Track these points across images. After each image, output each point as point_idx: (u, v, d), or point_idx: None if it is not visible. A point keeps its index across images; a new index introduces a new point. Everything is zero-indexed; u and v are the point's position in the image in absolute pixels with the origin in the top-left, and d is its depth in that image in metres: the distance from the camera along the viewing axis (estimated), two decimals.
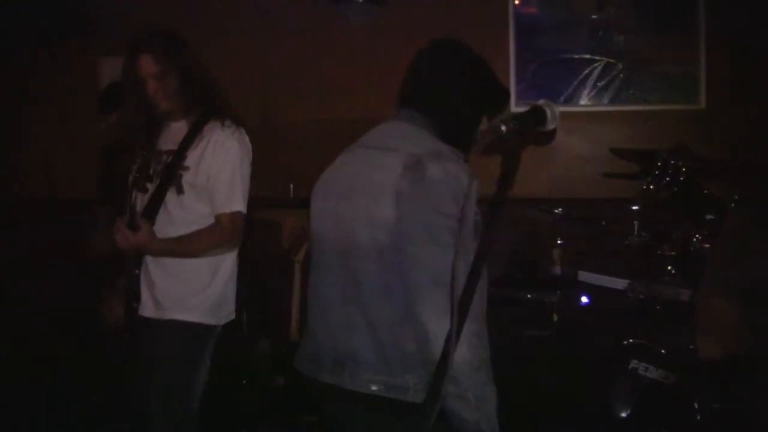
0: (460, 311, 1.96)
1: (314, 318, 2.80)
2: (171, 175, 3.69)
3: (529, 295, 5.15)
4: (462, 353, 2.32)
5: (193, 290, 3.74)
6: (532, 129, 2.04)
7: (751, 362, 2.84)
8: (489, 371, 2.46)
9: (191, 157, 3.71)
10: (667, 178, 4.36)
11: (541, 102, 2.09)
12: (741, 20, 5.75)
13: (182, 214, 3.71)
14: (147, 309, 3.78)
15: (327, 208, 2.76)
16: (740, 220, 3.25)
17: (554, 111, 2.07)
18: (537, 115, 2.06)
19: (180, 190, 3.69)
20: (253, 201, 5.37)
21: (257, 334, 5.82)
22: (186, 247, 3.70)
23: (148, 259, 3.79)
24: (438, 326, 2.36)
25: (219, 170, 3.69)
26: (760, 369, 2.76)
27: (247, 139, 3.85)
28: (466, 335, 2.24)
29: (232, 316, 3.92)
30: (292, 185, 6.13)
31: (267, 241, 6.15)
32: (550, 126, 2.06)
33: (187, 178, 3.69)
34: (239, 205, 3.73)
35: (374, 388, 2.53)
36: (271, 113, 6.53)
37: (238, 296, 3.98)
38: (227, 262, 3.87)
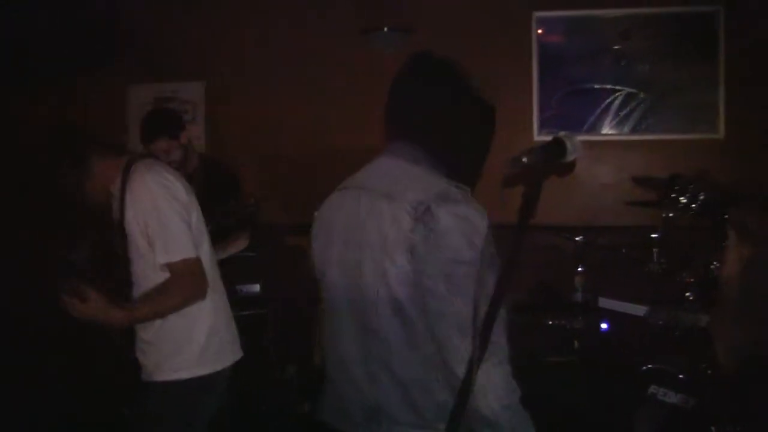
0: (482, 346, 2.02)
1: (336, 370, 2.70)
2: (121, 242, 3.50)
3: (551, 322, 5.20)
4: (499, 397, 2.32)
5: (174, 349, 3.55)
6: (553, 160, 2.08)
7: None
8: (525, 412, 2.41)
9: (126, 214, 3.47)
10: (686, 205, 4.42)
11: (561, 134, 2.10)
12: (759, 51, 5.83)
13: (149, 281, 3.49)
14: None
15: (331, 256, 2.65)
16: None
17: (575, 142, 2.09)
18: (557, 147, 2.08)
19: (132, 260, 3.52)
20: (282, 227, 5.44)
21: (284, 360, 5.89)
22: (151, 308, 3.45)
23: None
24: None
25: (147, 221, 3.42)
26: None
27: (160, 175, 3.52)
28: (502, 378, 2.32)
29: (236, 356, 3.73)
30: (316, 213, 6.20)
31: (296, 267, 6.22)
32: (570, 158, 2.09)
33: (132, 242, 3.50)
34: (187, 251, 3.44)
35: None
36: (304, 142, 6.60)
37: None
38: (204, 311, 3.58)
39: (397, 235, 2.41)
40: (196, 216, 3.61)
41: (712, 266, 4.39)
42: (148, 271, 3.46)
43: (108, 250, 3.59)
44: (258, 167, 6.44)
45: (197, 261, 3.46)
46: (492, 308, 2.02)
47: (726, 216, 3.32)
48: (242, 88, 6.81)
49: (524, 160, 1.96)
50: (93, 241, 3.66)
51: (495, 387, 2.30)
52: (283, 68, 6.66)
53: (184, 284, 3.44)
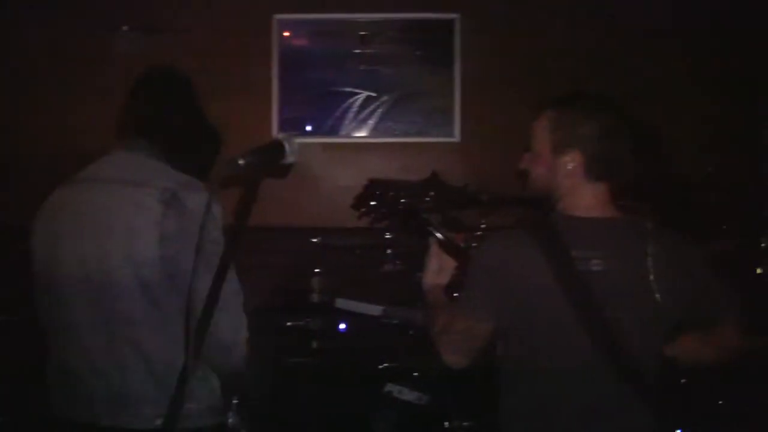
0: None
1: (73, 362, 2.69)
2: None
3: (289, 323, 5.20)
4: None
5: None
6: (273, 162, 2.08)
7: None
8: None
9: None
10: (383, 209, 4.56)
11: (280, 135, 2.12)
12: (494, 57, 6.06)
13: None
14: None
15: (62, 249, 2.66)
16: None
17: (293, 144, 2.10)
18: (275, 148, 2.09)
19: None
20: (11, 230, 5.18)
21: None
22: None
23: None
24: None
25: None
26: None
27: None
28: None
29: None
30: None
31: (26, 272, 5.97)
32: (289, 160, 2.09)
33: None
34: None
35: (158, 422, 2.50)
36: (43, 144, 6.32)
37: None
38: None
39: (145, 221, 2.54)
40: None
41: None
42: None
43: None
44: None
45: None
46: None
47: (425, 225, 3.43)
48: None
49: (240, 162, 1.94)
50: None
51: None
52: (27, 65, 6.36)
53: None
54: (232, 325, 2.61)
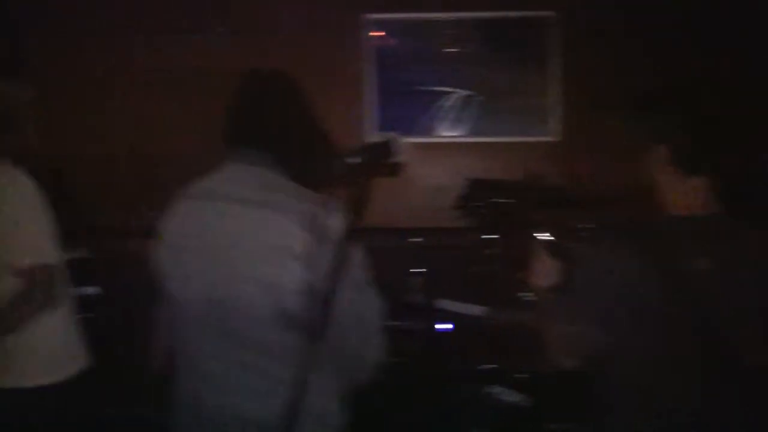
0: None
1: (202, 383, 2.62)
2: None
3: (389, 323, 5.16)
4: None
5: (21, 357, 3.41)
6: (379, 161, 2.06)
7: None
8: None
9: None
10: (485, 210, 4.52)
11: (388, 135, 2.11)
12: (594, 55, 5.96)
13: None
14: None
15: (192, 270, 2.58)
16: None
17: (400, 144, 2.09)
18: (385, 147, 2.08)
19: None
20: (120, 230, 5.24)
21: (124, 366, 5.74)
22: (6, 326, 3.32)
23: None
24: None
25: (6, 220, 3.28)
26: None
27: (19, 177, 3.41)
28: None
29: (83, 364, 3.63)
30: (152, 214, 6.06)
31: (129, 270, 6.07)
32: (396, 158, 2.08)
33: None
34: (43, 256, 3.34)
35: None
36: (138, 144, 6.41)
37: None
38: (53, 317, 3.46)
39: (285, 247, 2.41)
40: (48, 219, 3.49)
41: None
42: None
43: None
44: (91, 171, 6.23)
45: (52, 268, 3.35)
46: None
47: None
48: (70, 90, 6.59)
49: (348, 161, 1.93)
50: None
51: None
52: (115, 68, 6.46)
53: (33, 294, 3.30)
54: (376, 342, 2.62)
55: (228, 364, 2.53)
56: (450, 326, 5.12)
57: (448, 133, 6.21)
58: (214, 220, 2.57)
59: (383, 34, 6.25)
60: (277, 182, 2.60)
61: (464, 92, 6.20)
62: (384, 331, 2.61)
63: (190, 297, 2.59)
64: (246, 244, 2.49)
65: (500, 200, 4.43)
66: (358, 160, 1.94)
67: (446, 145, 6.21)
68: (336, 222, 2.39)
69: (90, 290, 5.65)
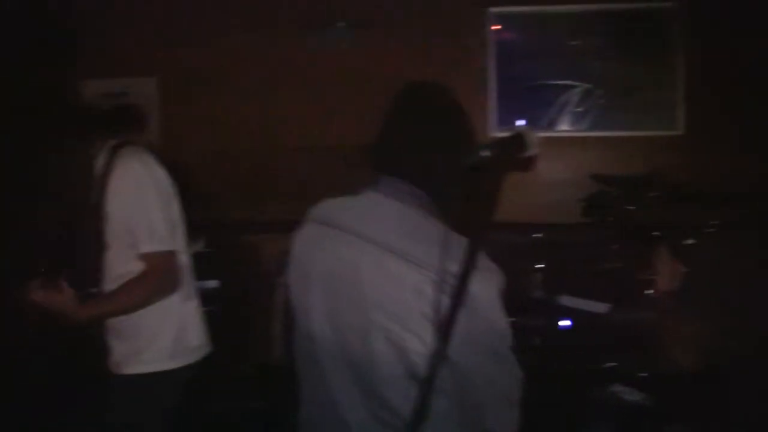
0: None
1: (326, 412, 2.41)
2: (97, 231, 3.37)
3: (510, 319, 5.12)
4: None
5: (144, 342, 3.45)
6: (513, 155, 2.03)
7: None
8: None
9: (108, 197, 3.33)
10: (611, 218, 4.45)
11: (521, 127, 2.07)
12: (718, 46, 5.81)
13: (122, 269, 3.36)
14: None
15: (315, 304, 2.40)
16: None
17: (534, 137, 2.05)
18: (517, 141, 2.04)
19: (106, 246, 3.37)
20: (239, 223, 5.35)
21: (240, 358, 5.82)
22: (118, 304, 3.34)
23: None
24: None
25: (130, 208, 3.31)
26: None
27: (145, 162, 3.40)
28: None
29: (205, 350, 3.67)
30: (278, 209, 6.13)
31: (253, 263, 6.16)
32: (531, 152, 2.05)
33: (108, 228, 3.35)
34: (164, 244, 3.34)
35: None
36: (259, 139, 6.51)
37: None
38: (176, 304, 3.51)
39: (418, 307, 2.17)
40: (176, 208, 3.54)
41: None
42: (121, 260, 3.36)
43: (77, 234, 3.47)
44: (213, 164, 6.34)
45: (173, 254, 3.39)
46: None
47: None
48: (196, 84, 6.71)
49: (482, 154, 1.90)
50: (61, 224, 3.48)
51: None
52: (236, 64, 6.56)
53: (155, 279, 3.35)
54: (510, 416, 2.31)
55: (351, 404, 2.34)
56: (571, 323, 5.07)
57: (569, 128, 6.12)
58: (348, 256, 2.33)
59: (505, 27, 6.20)
60: (421, 228, 2.29)
61: (586, 86, 6.11)
62: (519, 404, 2.32)
63: (314, 328, 2.41)
64: (379, 294, 2.26)
65: (629, 207, 4.34)
66: (491, 154, 1.90)
67: (568, 140, 6.13)
68: (482, 290, 2.14)
69: (209, 284, 5.75)
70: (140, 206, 3.30)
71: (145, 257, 3.32)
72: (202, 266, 5.47)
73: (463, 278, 1.89)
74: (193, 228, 5.03)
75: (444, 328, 1.93)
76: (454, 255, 2.05)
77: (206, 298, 5.55)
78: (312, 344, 2.43)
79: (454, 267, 2.01)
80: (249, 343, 5.87)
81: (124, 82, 6.87)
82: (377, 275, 2.25)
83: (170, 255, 3.39)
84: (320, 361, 2.40)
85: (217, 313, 5.65)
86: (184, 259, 3.57)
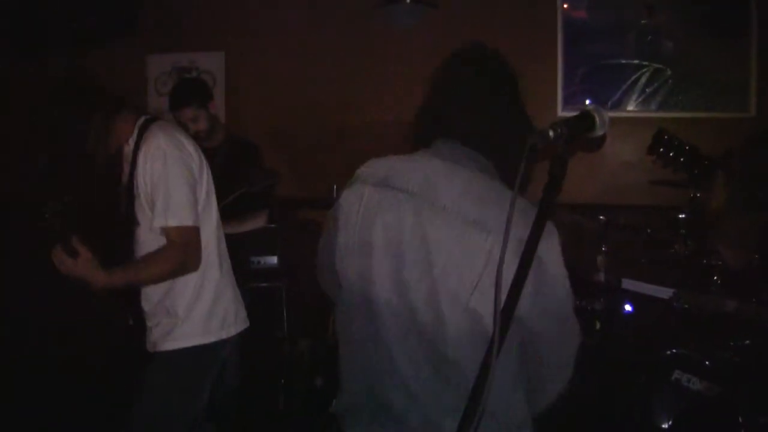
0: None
1: (385, 381, 2.38)
2: (127, 201, 3.45)
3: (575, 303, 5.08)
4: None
5: (179, 319, 3.50)
6: (581, 135, 1.97)
7: None
8: None
9: (137, 173, 3.40)
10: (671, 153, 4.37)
11: (590, 107, 2.00)
12: None
13: (153, 245, 3.40)
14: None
15: (381, 272, 2.35)
16: None
17: (603, 116, 1.98)
18: (586, 120, 1.97)
19: (136, 222, 3.45)
20: (295, 201, 5.34)
21: (297, 334, 5.83)
22: (137, 274, 3.37)
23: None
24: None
25: (152, 182, 3.34)
26: None
27: (171, 137, 3.42)
28: None
29: (241, 326, 3.68)
30: (335, 186, 6.12)
31: (309, 241, 6.16)
32: (599, 132, 1.98)
33: (138, 203, 3.43)
34: (185, 218, 3.34)
35: None
36: (317, 116, 6.52)
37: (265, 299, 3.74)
38: (210, 281, 3.56)
39: (488, 271, 2.17)
40: (206, 181, 3.56)
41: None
42: (149, 235, 3.41)
43: (108, 209, 3.57)
44: (273, 140, 6.35)
45: (194, 230, 3.39)
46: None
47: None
48: (260, 60, 6.73)
49: (551, 134, 1.84)
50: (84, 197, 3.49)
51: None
52: (300, 42, 6.57)
53: (175, 253, 3.36)
54: (564, 375, 2.38)
55: (415, 368, 2.32)
56: (633, 308, 5.00)
57: (637, 108, 6.01)
58: (414, 221, 2.30)
59: (574, 6, 6.10)
60: (488, 192, 2.29)
61: (655, 65, 5.99)
62: (577, 366, 2.35)
63: (377, 295, 2.36)
64: (448, 259, 2.24)
65: (685, 145, 4.26)
66: (560, 131, 1.84)
67: (636, 120, 6.02)
68: (548, 253, 2.18)
69: (270, 260, 5.76)
70: (165, 182, 3.31)
71: (166, 231, 3.34)
72: (264, 242, 5.52)
73: (532, 242, 1.82)
74: (257, 204, 5.06)
75: (513, 290, 1.80)
76: (521, 219, 1.96)
77: (263, 273, 5.61)
78: (370, 311, 2.39)
79: (522, 231, 1.90)
80: (305, 319, 5.89)
81: (190, 56, 6.93)
82: (446, 240, 2.24)
83: (192, 230, 3.39)
84: (380, 329, 2.37)
85: (276, 289, 5.71)
86: (214, 234, 3.60)
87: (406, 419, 2.35)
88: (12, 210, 6.45)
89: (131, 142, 3.47)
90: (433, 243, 2.26)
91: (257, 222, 5.17)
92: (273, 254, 5.79)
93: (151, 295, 3.53)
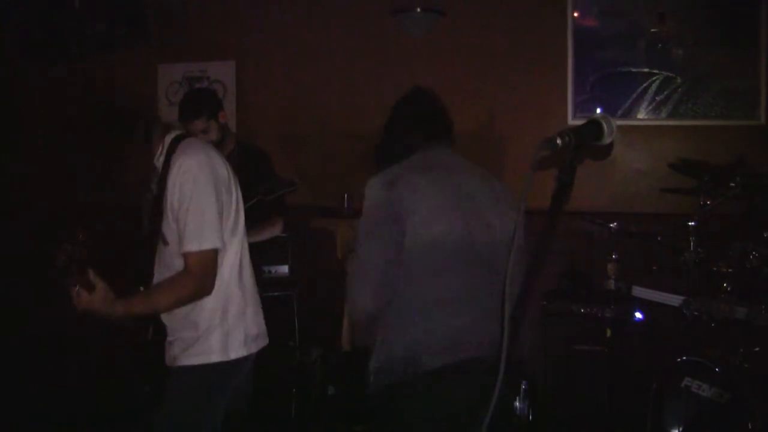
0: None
1: (468, 313, 3.03)
2: (153, 226, 3.38)
3: (582, 310, 5.10)
4: None
5: (200, 335, 3.43)
6: (589, 143, 1.99)
7: None
8: None
9: (167, 191, 3.32)
10: (721, 193, 4.37)
11: (597, 115, 2.02)
12: None
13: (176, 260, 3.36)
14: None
15: (449, 217, 3.08)
16: None
17: (611, 124, 2.00)
18: (594, 128, 1.99)
19: (164, 241, 3.38)
20: (305, 210, 5.34)
21: (308, 343, 5.84)
22: (154, 303, 3.34)
23: None
24: None
25: (179, 203, 3.28)
26: None
27: (202, 156, 3.36)
28: None
29: (261, 344, 3.63)
30: (346, 195, 6.14)
31: (320, 249, 6.18)
32: (607, 140, 2.00)
33: (166, 222, 3.35)
34: (207, 242, 3.28)
35: None
36: (327, 125, 6.54)
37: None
38: (233, 297, 3.49)
39: (510, 205, 3.21)
40: (236, 199, 3.50)
41: (750, 256, 4.28)
42: (174, 254, 3.35)
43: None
44: (285, 149, 6.38)
45: (213, 253, 3.31)
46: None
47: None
48: (270, 68, 6.76)
49: (558, 141, 1.86)
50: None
51: None
52: (310, 51, 6.60)
53: (191, 280, 3.30)
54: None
55: (482, 282, 3.06)
56: (644, 315, 5.01)
57: (647, 116, 6.01)
58: (464, 187, 3.19)
59: (584, 14, 6.12)
60: (468, 161, 3.35)
61: (665, 74, 6.00)
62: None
63: (456, 237, 3.07)
64: (485, 199, 3.18)
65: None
66: (568, 139, 1.87)
67: (646, 128, 6.03)
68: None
69: (282, 269, 5.77)
70: (192, 203, 3.26)
71: (184, 255, 3.29)
72: (275, 251, 5.53)
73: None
74: (272, 212, 5.06)
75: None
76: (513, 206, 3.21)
77: (275, 282, 5.61)
78: (447, 249, 3.06)
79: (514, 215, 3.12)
80: (317, 329, 5.90)
81: (202, 66, 6.96)
82: (480, 188, 3.22)
83: (210, 253, 3.31)
84: (456, 262, 3.07)
85: (287, 298, 5.72)
86: (239, 252, 3.55)
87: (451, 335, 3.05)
88: (20, 215, 6.51)
89: (160, 159, 3.40)
90: (481, 201, 3.19)
91: (274, 230, 5.16)
92: (284, 263, 5.79)
93: (176, 310, 3.45)
